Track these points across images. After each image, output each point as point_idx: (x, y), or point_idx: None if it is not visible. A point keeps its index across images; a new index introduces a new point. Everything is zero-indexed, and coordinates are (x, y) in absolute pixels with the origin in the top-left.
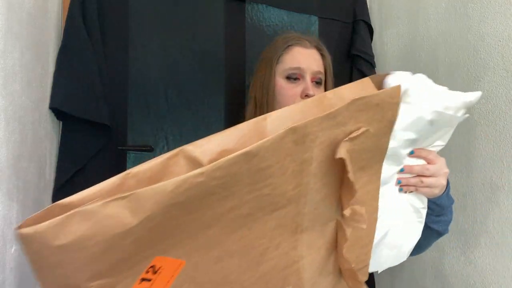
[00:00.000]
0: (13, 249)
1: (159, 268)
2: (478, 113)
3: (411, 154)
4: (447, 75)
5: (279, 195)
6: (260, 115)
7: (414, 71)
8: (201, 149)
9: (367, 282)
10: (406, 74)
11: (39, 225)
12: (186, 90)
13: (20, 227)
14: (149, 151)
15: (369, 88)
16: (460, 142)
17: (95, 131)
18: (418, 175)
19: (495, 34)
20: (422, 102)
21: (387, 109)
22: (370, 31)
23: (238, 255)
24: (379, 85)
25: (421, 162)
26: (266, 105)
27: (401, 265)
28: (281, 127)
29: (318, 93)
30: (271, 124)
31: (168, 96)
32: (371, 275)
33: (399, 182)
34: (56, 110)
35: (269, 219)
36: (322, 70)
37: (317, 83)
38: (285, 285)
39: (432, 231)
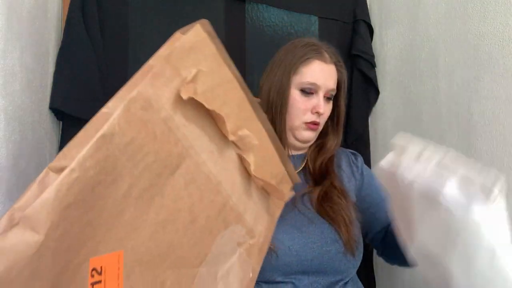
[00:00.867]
0: None
1: (101, 267)
2: (478, 113)
3: None
4: (447, 75)
5: (166, 156)
6: (274, 121)
7: (414, 71)
8: (65, 158)
9: (367, 282)
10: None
11: None
12: None
13: None
14: None
15: (178, 39)
16: (460, 142)
17: None
18: None
19: (495, 34)
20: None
21: (202, 47)
22: (370, 31)
23: (169, 222)
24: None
25: None
26: (280, 113)
27: None
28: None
29: (327, 109)
30: (112, 105)
31: None
32: (371, 276)
33: None
34: (56, 110)
35: (174, 180)
36: (335, 86)
37: (328, 98)
38: (228, 225)
39: None
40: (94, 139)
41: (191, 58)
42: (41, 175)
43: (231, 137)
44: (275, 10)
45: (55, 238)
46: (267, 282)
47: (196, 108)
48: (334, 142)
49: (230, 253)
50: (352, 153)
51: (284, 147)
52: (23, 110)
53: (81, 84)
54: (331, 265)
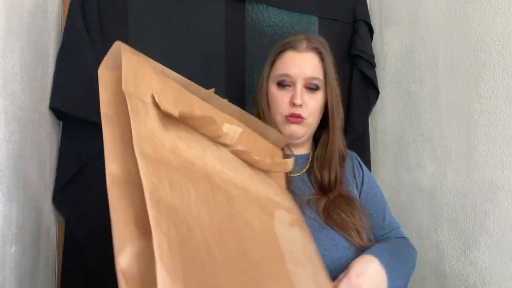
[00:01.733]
0: (13, 249)
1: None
2: (478, 113)
3: None
4: (447, 75)
5: (200, 182)
6: (263, 119)
7: (414, 71)
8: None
9: None
10: None
11: None
12: None
13: None
14: None
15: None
16: (460, 142)
17: (95, 131)
18: None
19: (495, 34)
20: None
21: (140, 69)
22: (370, 31)
23: (244, 242)
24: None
25: None
26: (263, 111)
27: None
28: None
29: (312, 100)
30: (124, 167)
31: None
32: None
33: None
34: (56, 110)
35: (220, 203)
36: (319, 74)
37: (312, 89)
38: (273, 216)
39: None
40: (150, 204)
41: (142, 84)
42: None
43: (219, 138)
44: (275, 10)
45: None
46: None
47: (177, 124)
48: (330, 137)
49: (292, 236)
50: (358, 160)
51: (283, 147)
52: (23, 110)
53: (81, 84)
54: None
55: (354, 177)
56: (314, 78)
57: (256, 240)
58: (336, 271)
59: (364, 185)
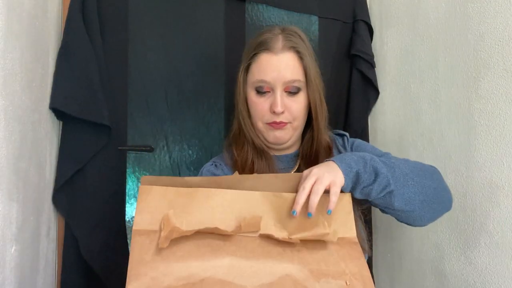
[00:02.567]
0: (13, 249)
1: None
2: (478, 113)
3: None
4: (447, 75)
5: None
6: (243, 126)
7: (414, 71)
8: None
9: None
10: None
11: None
12: (186, 90)
13: None
14: (149, 151)
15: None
16: (460, 142)
17: (95, 131)
18: (307, 198)
19: (495, 34)
20: None
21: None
22: (370, 31)
23: None
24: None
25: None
26: (243, 118)
27: (401, 265)
28: None
29: (294, 103)
30: None
31: (168, 96)
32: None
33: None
34: (56, 110)
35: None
36: (299, 76)
37: (293, 92)
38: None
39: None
40: None
41: (156, 215)
42: None
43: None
44: (275, 10)
45: None
46: None
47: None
48: (315, 135)
49: None
50: (339, 135)
51: (268, 151)
52: (23, 110)
53: (81, 84)
54: None
55: None
56: (294, 81)
57: None
58: None
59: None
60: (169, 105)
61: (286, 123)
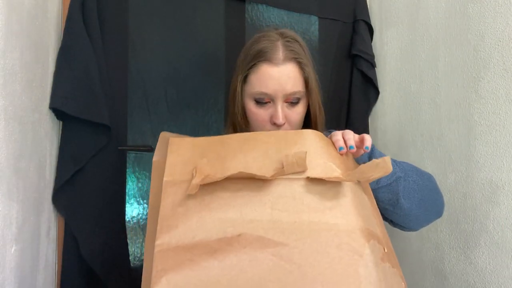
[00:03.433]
0: (13, 249)
1: None
2: (478, 113)
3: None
4: (447, 75)
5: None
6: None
7: (414, 71)
8: None
9: None
10: None
11: None
12: (186, 90)
13: None
14: (149, 151)
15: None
16: (460, 142)
17: (95, 131)
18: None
19: (495, 34)
20: None
21: (186, 151)
22: (370, 31)
23: None
24: None
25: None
26: (241, 127)
27: (401, 265)
28: None
29: (294, 113)
30: None
31: (168, 96)
32: None
33: (340, 148)
34: (56, 110)
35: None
36: (299, 87)
37: (293, 103)
38: (363, 253)
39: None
40: None
41: (187, 167)
42: None
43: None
44: (275, 10)
45: None
46: None
47: (205, 195)
48: None
49: (382, 277)
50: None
51: None
52: (23, 110)
53: (81, 84)
54: None
55: None
56: (295, 93)
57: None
58: None
59: None
60: (169, 105)
61: None
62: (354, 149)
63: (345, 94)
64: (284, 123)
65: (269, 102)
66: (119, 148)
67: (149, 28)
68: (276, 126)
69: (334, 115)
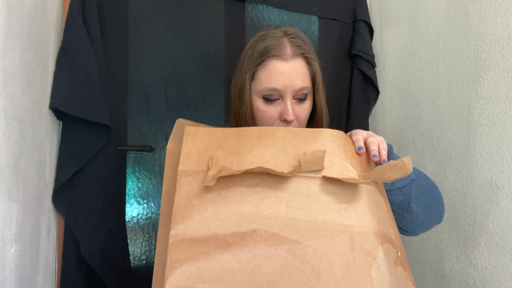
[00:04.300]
0: (13, 249)
1: None
2: (478, 113)
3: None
4: (447, 75)
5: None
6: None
7: (414, 71)
8: None
9: None
10: None
11: None
12: (186, 90)
13: None
14: (149, 151)
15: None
16: (460, 142)
17: (95, 131)
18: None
19: (495, 34)
20: None
21: (204, 139)
22: (370, 31)
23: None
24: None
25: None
26: (246, 122)
27: None
28: None
29: (302, 110)
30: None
31: (168, 96)
32: None
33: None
34: (56, 110)
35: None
36: (307, 83)
37: (301, 99)
38: (376, 256)
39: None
40: None
41: (203, 157)
42: None
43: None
44: (275, 10)
45: None
46: None
47: (221, 190)
48: None
49: (394, 280)
50: None
51: None
52: (23, 110)
53: (81, 84)
54: None
55: None
56: (304, 88)
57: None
58: None
59: None
60: (169, 105)
61: None
62: (377, 158)
63: (345, 94)
64: (293, 120)
65: (278, 99)
66: (119, 148)
67: (149, 28)
68: (286, 123)
69: (334, 115)
